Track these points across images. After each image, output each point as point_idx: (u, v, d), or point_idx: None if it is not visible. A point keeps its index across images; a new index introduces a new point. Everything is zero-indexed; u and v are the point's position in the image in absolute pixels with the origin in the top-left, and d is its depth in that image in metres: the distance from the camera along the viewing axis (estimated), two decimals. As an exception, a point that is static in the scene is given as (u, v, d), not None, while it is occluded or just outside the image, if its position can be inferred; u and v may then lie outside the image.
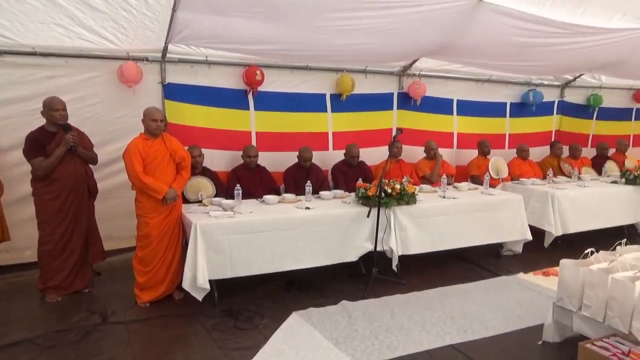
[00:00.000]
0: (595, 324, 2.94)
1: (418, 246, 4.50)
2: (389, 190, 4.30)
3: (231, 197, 4.32)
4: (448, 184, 5.30)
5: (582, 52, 5.56)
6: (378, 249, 4.30)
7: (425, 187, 5.30)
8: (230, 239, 3.77)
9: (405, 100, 6.34)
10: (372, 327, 3.48)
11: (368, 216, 4.21)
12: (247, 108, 5.45)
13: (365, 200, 4.36)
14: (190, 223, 3.74)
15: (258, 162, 5.12)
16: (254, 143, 5.42)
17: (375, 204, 4.23)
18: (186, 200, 4.43)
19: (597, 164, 7.14)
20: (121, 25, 4.26)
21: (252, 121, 5.48)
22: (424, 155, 6.12)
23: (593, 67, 6.71)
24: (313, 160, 5.33)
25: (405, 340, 3.30)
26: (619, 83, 7.88)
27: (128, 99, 4.73)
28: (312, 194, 4.62)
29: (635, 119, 8.45)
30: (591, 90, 7.87)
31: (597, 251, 3.22)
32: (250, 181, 4.93)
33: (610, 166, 6.97)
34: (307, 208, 4.22)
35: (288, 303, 3.88)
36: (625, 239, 3.46)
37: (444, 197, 4.86)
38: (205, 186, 4.63)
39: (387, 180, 4.41)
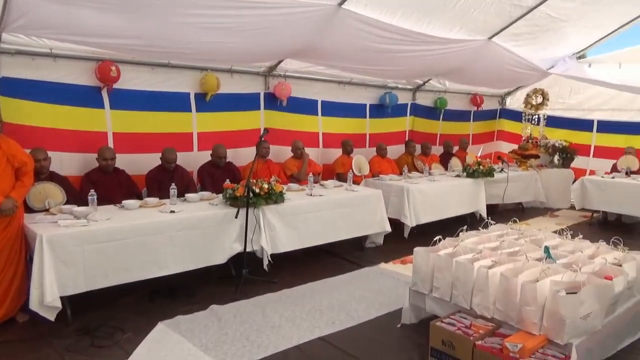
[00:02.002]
0: (444, 303, 3.27)
1: (287, 244, 4.58)
2: (257, 190, 4.30)
3: (85, 203, 3.96)
4: (315, 182, 5.49)
5: (428, 59, 6.15)
6: (248, 249, 4.28)
7: (293, 185, 5.42)
8: (84, 250, 3.44)
9: (272, 101, 6.40)
10: (243, 328, 3.45)
11: (236, 217, 4.16)
12: (102, 107, 5.02)
13: (233, 201, 4.31)
14: (35, 235, 3.34)
15: (116, 165, 4.77)
16: (110, 144, 5.03)
17: (243, 205, 4.20)
18: (30, 210, 3.94)
19: (444, 160, 7.99)
20: (-62, 8, 3.64)
21: (108, 121, 5.06)
22: (292, 154, 6.26)
23: (438, 73, 7.46)
24: (178, 162, 5.12)
25: (277, 337, 3.33)
26: (459, 88, 8.90)
27: (-50, 95, 4.06)
28: (178, 196, 4.43)
29: (473, 120, 9.62)
30: (438, 94, 8.75)
31: (445, 238, 3.59)
32: (107, 186, 4.57)
33: (455, 162, 7.84)
34: (172, 212, 4.03)
35: (153, 313, 3.66)
36: (466, 226, 3.92)
37: (311, 194, 5.01)
38: (53, 193, 4.16)
39: (255, 180, 4.42)
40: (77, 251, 3.42)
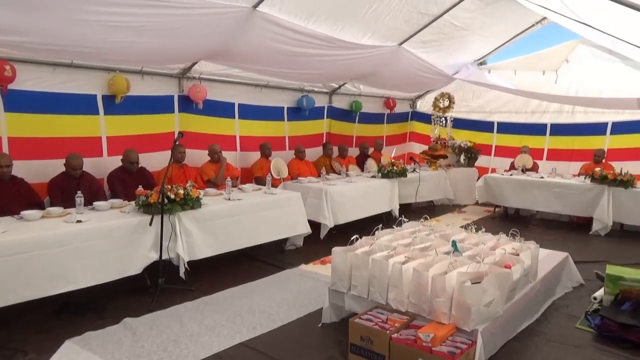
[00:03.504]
0: (362, 300, 3.37)
1: (205, 250, 4.48)
2: (173, 196, 4.17)
3: (-24, 216, 3.61)
4: (233, 186, 5.42)
5: (342, 63, 6.33)
6: (164, 257, 4.12)
7: (210, 190, 5.30)
8: (-24, 267, 3.14)
9: (187, 104, 6.23)
10: (159, 340, 3.32)
11: (150, 224, 4.00)
12: (-6, 109, 4.61)
13: (147, 208, 4.14)
14: None
15: (13, 173, 4.38)
16: (5, 150, 4.63)
17: (158, 212, 4.05)
18: None
19: (360, 162, 8.24)
20: None
21: (2, 124, 4.65)
22: (208, 158, 6.13)
23: (352, 77, 7.70)
24: (85, 168, 4.82)
25: (195, 347, 3.24)
26: (373, 92, 9.24)
27: None
28: (85, 205, 4.17)
29: (386, 123, 10.02)
30: (353, 97, 9.02)
31: (361, 237, 3.70)
32: (2, 196, 4.19)
33: (370, 163, 8.11)
34: (79, 221, 3.79)
35: (59, 331, 3.41)
36: (382, 224, 4.07)
37: (229, 199, 4.94)
38: (-64, 205, 3.74)
39: (170, 186, 4.27)
40: (-33, 269, 3.11)
